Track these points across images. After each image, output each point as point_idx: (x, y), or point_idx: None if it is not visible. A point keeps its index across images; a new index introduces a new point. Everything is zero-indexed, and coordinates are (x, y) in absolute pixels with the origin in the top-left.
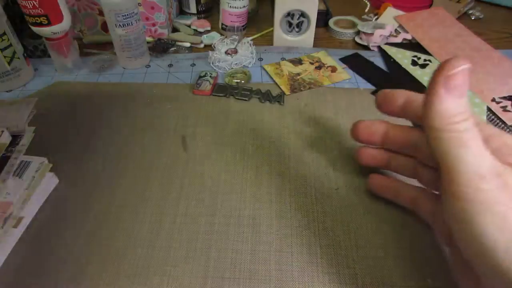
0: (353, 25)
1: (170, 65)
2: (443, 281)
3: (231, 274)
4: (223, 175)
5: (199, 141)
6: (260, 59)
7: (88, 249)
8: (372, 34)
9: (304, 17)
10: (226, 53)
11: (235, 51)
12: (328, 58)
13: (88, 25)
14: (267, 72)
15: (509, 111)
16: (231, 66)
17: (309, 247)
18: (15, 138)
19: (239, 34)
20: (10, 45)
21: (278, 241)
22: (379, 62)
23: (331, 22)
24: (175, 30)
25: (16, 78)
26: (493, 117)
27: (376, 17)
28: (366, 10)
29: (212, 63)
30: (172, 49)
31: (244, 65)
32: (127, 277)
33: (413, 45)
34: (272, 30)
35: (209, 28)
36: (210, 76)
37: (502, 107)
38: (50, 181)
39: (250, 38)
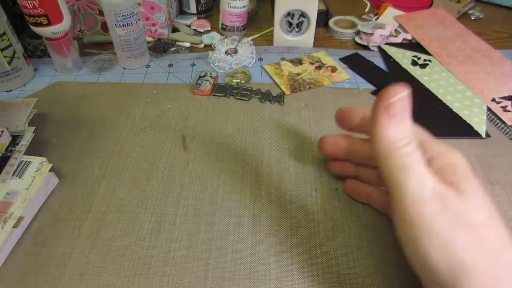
0: (353, 25)
1: (170, 65)
2: None
3: (231, 274)
4: (223, 175)
5: (199, 141)
6: (260, 59)
7: (88, 249)
8: (372, 34)
9: (304, 17)
10: (226, 53)
11: (235, 51)
12: (328, 58)
13: (88, 25)
14: (267, 72)
15: (509, 111)
16: (231, 66)
17: (309, 247)
18: (15, 138)
19: (239, 34)
20: (10, 45)
21: (278, 241)
22: (379, 62)
23: (331, 22)
24: (175, 30)
25: (16, 78)
26: (493, 117)
27: (376, 17)
28: (366, 10)
29: (212, 63)
30: (172, 49)
31: (244, 65)
32: (127, 277)
33: (413, 45)
34: (272, 30)
35: (209, 28)
36: (210, 76)
37: (502, 107)
38: (50, 181)
39: (250, 38)
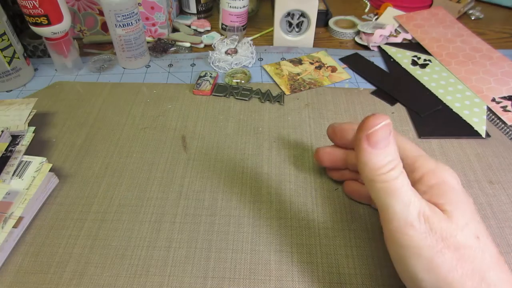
0: (353, 25)
1: (170, 65)
2: None
3: (231, 274)
4: (223, 175)
5: (199, 141)
6: (260, 59)
7: (88, 249)
8: (372, 34)
9: (304, 17)
10: (226, 53)
11: (235, 51)
12: (328, 58)
13: (88, 25)
14: (267, 72)
15: (509, 111)
16: (231, 66)
17: (309, 247)
18: (15, 138)
19: (239, 34)
20: (10, 45)
21: (278, 241)
22: (379, 62)
23: (331, 22)
24: (175, 30)
25: (16, 78)
26: (493, 117)
27: (376, 17)
28: (366, 10)
29: (212, 63)
30: (172, 49)
31: (244, 65)
32: (127, 277)
33: (413, 45)
34: (272, 30)
35: (209, 28)
36: (210, 76)
37: (502, 107)
38: (50, 181)
39: (250, 38)
